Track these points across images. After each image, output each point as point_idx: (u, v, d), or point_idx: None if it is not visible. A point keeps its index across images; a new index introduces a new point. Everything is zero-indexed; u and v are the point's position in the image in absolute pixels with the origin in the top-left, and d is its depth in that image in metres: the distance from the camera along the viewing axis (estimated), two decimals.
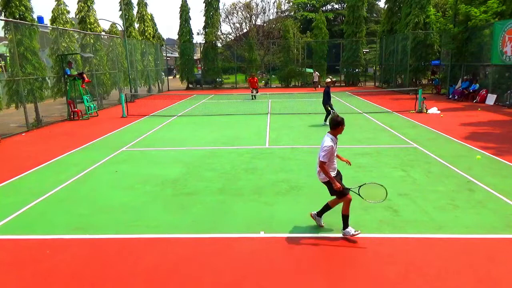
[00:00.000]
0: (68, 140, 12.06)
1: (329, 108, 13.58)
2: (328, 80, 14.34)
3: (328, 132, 5.17)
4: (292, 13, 49.47)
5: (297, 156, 9.44)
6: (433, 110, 16.15)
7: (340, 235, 5.20)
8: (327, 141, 5.02)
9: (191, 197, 6.80)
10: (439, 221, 5.53)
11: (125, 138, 12.10)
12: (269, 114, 16.92)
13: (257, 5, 54.39)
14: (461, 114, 15.56)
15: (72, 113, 16.74)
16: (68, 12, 19.04)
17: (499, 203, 6.15)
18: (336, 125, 5.11)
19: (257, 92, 23.59)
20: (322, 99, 13.92)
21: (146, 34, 30.66)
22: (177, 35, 35.59)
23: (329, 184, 5.10)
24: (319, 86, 29.67)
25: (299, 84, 34.76)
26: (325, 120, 13.78)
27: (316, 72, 31.11)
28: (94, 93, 19.98)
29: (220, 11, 36.65)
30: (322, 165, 4.96)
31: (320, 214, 5.42)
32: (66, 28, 18.02)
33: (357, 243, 5.01)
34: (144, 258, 4.77)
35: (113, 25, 26.77)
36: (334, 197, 5.22)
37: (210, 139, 11.72)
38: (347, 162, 5.54)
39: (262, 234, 5.29)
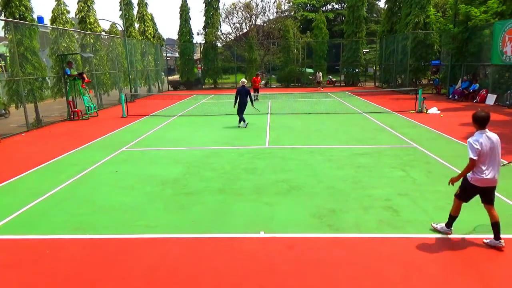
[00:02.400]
0: (68, 140, 12.06)
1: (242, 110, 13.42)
2: (245, 80, 14.05)
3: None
4: (292, 13, 49.44)
5: (297, 156, 9.44)
6: (433, 110, 16.15)
7: (340, 235, 5.22)
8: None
9: (191, 197, 6.80)
10: (439, 221, 5.52)
11: (125, 138, 12.10)
12: (269, 114, 16.92)
13: (257, 5, 54.35)
14: (461, 114, 15.55)
15: (72, 113, 16.74)
16: (68, 12, 19.02)
17: (499, 203, 6.13)
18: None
19: (258, 93, 23.49)
20: (244, 101, 13.39)
21: (147, 34, 30.66)
22: (177, 35, 35.62)
23: None
24: (320, 86, 30.21)
25: (299, 84, 34.77)
26: (240, 122, 13.59)
27: (319, 73, 31.16)
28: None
29: (220, 11, 36.65)
30: None
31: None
32: (66, 28, 18.02)
33: (357, 243, 5.02)
34: (144, 258, 4.77)
35: (113, 25, 26.78)
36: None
37: (210, 139, 11.72)
38: None
39: (262, 234, 5.29)
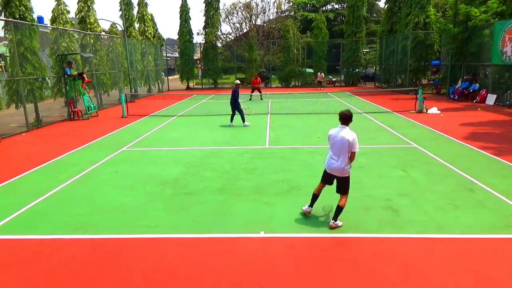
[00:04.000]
0: (68, 140, 12.06)
1: (240, 108, 13.97)
2: (238, 82, 14.73)
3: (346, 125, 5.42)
4: (292, 13, 49.45)
5: (297, 156, 9.44)
6: (433, 110, 16.15)
7: (340, 235, 5.22)
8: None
9: (191, 197, 6.80)
10: (439, 221, 5.54)
11: (125, 138, 12.09)
12: (269, 114, 16.92)
13: (257, 5, 54.41)
14: (461, 114, 15.56)
15: (72, 113, 16.73)
16: (68, 12, 19.03)
17: (499, 203, 6.16)
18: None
19: (260, 93, 23.53)
20: (231, 100, 13.89)
21: (147, 34, 30.65)
22: (177, 35, 35.62)
23: (347, 180, 5.48)
24: (321, 86, 31.34)
25: (299, 84, 34.78)
26: (231, 121, 14.06)
27: (322, 73, 31.97)
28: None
29: (220, 11, 36.65)
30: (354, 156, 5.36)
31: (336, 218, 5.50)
32: (66, 28, 18.02)
33: (357, 243, 5.02)
34: (144, 258, 4.77)
35: (113, 25, 26.77)
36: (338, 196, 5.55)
37: (210, 139, 11.72)
38: None
39: (262, 234, 5.29)
